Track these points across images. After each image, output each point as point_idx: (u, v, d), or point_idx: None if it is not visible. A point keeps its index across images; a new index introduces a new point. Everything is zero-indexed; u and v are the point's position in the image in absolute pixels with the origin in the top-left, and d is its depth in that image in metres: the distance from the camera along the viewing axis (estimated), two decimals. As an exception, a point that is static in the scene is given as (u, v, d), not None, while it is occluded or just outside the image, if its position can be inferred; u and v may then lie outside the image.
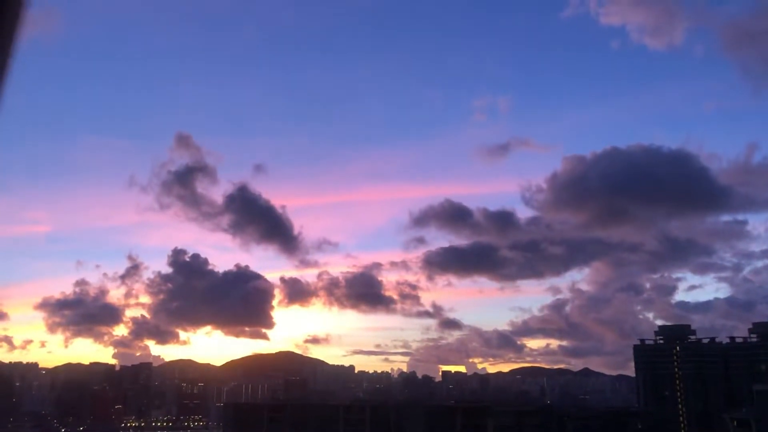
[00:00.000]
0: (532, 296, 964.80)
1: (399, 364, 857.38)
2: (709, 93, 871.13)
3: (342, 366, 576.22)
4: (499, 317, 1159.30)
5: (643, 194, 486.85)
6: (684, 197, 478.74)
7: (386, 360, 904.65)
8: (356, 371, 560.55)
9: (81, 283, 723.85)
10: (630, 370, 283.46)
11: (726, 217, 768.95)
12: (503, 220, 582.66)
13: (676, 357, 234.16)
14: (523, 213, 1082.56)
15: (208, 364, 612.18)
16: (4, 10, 5.27)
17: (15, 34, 5.44)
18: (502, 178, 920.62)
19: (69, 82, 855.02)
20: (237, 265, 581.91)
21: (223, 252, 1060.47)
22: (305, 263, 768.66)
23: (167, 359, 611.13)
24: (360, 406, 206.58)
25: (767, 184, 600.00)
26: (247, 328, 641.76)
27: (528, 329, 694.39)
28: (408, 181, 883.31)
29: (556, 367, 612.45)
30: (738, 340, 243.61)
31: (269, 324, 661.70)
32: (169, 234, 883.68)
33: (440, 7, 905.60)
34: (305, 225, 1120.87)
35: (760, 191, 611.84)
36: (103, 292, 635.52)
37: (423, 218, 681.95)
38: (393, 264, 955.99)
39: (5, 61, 5.52)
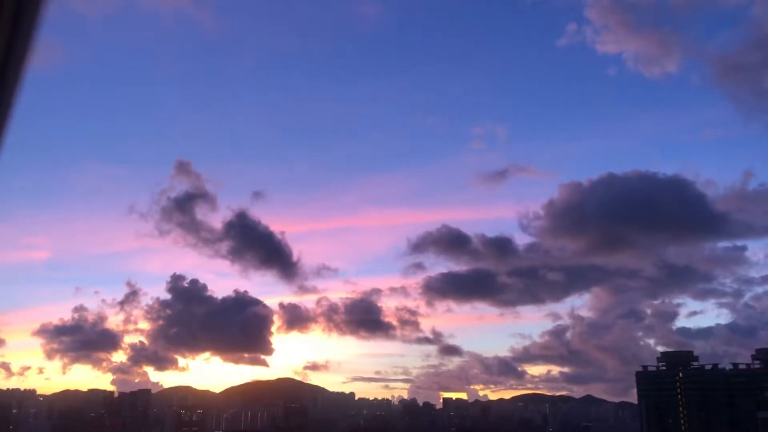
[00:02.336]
0: (533, 322, 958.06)
1: (399, 391, 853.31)
2: (705, 121, 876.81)
3: (342, 393, 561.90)
4: (499, 343, 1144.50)
5: (640, 220, 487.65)
6: (681, 223, 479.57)
7: (386, 387, 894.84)
8: (356, 398, 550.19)
9: (79, 309, 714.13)
10: (633, 397, 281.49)
11: (724, 243, 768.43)
12: (501, 246, 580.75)
13: (678, 384, 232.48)
14: (521, 239, 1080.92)
15: (207, 390, 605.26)
16: (13, 44, 5.31)
17: (21, 71, 5.51)
18: (500, 205, 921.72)
19: (69, 109, 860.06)
20: (236, 291, 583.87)
21: (223, 278, 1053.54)
22: (304, 289, 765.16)
23: (166, 386, 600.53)
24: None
25: (765, 210, 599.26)
26: (246, 355, 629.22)
27: (529, 355, 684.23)
28: (407, 207, 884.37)
29: (557, 393, 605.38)
30: (741, 366, 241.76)
31: (268, 350, 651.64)
32: (168, 260, 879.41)
33: (439, 36, 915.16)
34: (304, 251, 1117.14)
35: (758, 218, 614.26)
36: (101, 318, 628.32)
37: (421, 244, 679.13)
38: (392, 290, 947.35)
39: (10, 96, 5.67)
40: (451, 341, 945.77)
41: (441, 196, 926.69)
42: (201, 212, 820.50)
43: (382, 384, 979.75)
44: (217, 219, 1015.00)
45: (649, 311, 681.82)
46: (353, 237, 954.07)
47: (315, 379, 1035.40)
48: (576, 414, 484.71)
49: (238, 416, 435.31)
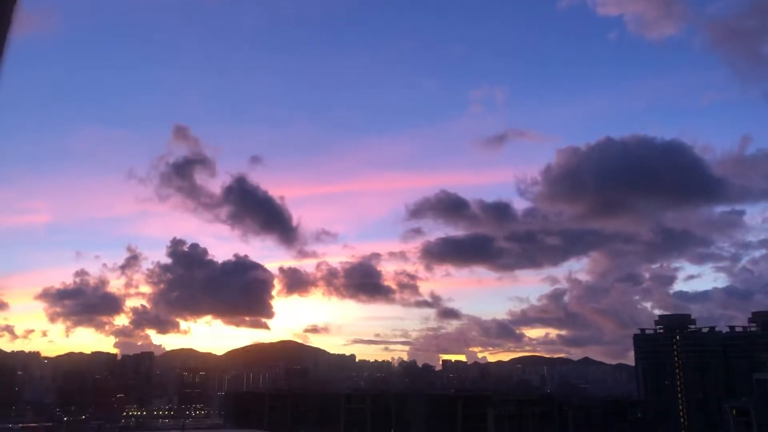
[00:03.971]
0: (530, 286, 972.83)
1: (399, 353, 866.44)
2: (703, 85, 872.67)
3: (343, 355, 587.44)
4: (497, 307, 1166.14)
5: (638, 185, 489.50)
6: (679, 188, 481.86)
7: (386, 349, 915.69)
8: (357, 360, 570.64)
9: (81, 273, 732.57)
10: (630, 360, 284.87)
11: (722, 208, 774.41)
12: (499, 211, 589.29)
13: (675, 346, 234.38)
14: (520, 204, 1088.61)
15: (209, 353, 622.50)
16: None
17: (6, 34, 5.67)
18: (498, 169, 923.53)
19: (69, 73, 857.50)
20: (236, 255, 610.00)
21: (223, 242, 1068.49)
22: (304, 253, 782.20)
23: (168, 348, 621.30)
24: (361, 395, 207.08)
25: (762, 175, 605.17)
26: (247, 318, 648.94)
27: (527, 319, 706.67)
28: (406, 171, 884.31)
29: (555, 356, 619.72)
30: (738, 329, 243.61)
31: (269, 313, 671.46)
32: (168, 224, 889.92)
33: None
34: (304, 215, 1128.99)
35: (756, 182, 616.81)
36: (103, 282, 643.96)
37: (420, 209, 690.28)
38: (391, 254, 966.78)
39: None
40: (449, 305, 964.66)
41: (439, 161, 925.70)
42: (200, 177, 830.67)
43: (382, 346, 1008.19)
44: (216, 184, 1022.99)
45: (646, 275, 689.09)
46: (352, 202, 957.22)
47: (316, 341, 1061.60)
48: (574, 375, 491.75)
49: (240, 378, 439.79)
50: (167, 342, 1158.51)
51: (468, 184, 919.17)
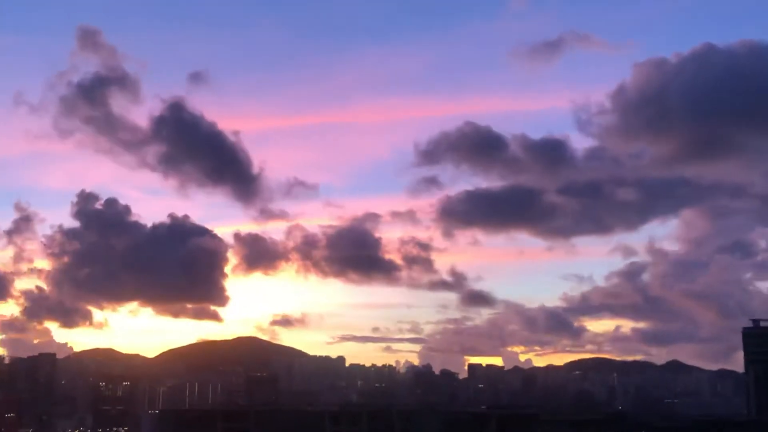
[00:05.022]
0: (595, 260, 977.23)
1: (407, 355, 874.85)
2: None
3: (327, 357, 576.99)
4: (547, 289, 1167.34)
5: (750, 114, 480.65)
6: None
7: (388, 349, 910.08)
8: (347, 364, 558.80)
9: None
10: (736, 364, 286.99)
11: None
12: (551, 151, 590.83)
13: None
14: (579, 142, 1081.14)
15: (136, 354, 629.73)
16: None
17: None
18: (549, 92, 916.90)
19: None
20: (172, 216, 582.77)
21: (152, 197, 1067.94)
22: (269, 214, 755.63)
23: (78, 349, 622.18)
24: (353, 412, 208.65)
25: None
26: (189, 306, 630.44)
27: (589, 306, 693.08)
28: (414, 94, 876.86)
29: (630, 359, 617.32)
30: None
31: (221, 299, 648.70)
32: (73, 172, 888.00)
33: None
34: (268, 159, 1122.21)
35: None
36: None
37: (435, 150, 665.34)
38: (395, 214, 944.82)
39: None
40: (478, 286, 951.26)
41: (464, 79, 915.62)
42: (118, 103, 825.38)
43: (383, 345, 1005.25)
44: (141, 113, 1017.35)
45: (762, 243, 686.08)
46: (338, 139, 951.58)
47: (288, 338, 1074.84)
48: (656, 386, 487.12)
49: (180, 390, 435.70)
50: (76, 339, 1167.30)
51: (505, 112, 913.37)
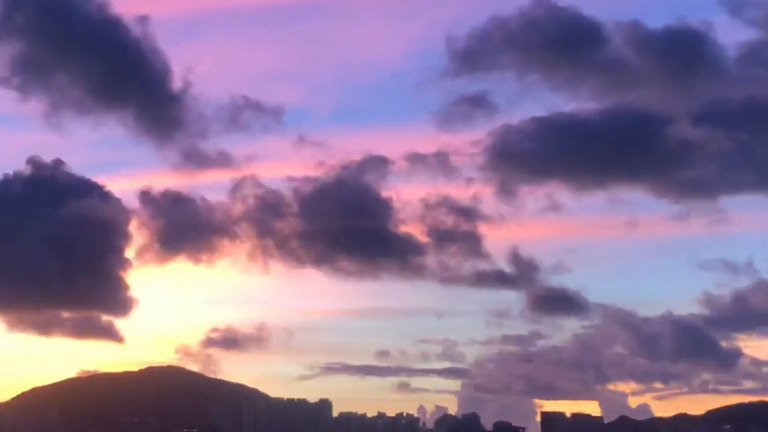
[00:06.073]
0: (757, 234, 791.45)
1: (437, 398, 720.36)
2: None
3: (302, 402, 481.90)
4: (677, 286, 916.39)
5: None
6: None
7: (406, 388, 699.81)
8: (336, 413, 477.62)
9: None
10: None
11: None
12: (684, 49, 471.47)
13: None
14: (731, 33, 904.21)
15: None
16: None
17: None
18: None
19: None
20: (33, 161, 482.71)
21: (4, 127, 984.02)
22: (199, 159, 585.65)
23: None
24: None
25: None
26: (65, 315, 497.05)
27: (749, 314, 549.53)
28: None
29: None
30: None
31: (120, 304, 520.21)
32: None
33: None
34: (198, 66, 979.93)
35: None
36: None
37: (483, 47, 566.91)
38: (415, 159, 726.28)
39: None
40: (559, 281, 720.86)
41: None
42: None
43: (396, 381, 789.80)
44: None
45: None
46: (319, 30, 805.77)
47: (235, 369, 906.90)
48: None
49: None
50: None
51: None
